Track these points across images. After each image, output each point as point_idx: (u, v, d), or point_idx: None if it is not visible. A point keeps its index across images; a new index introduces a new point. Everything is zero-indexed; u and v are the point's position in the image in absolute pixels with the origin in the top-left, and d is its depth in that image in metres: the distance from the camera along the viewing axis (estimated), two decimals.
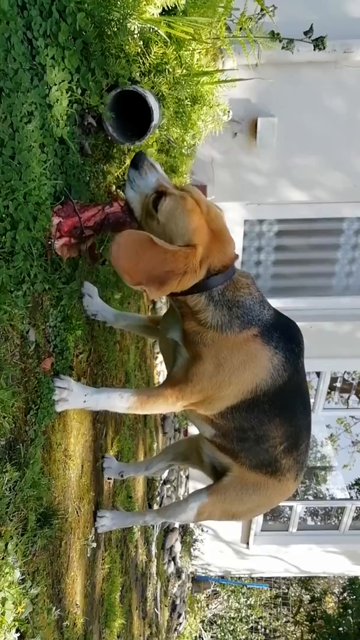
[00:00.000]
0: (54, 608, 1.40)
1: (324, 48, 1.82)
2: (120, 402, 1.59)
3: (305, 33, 1.80)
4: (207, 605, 8.61)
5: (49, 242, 1.44)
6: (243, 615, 9.13)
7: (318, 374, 5.34)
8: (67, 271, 1.62)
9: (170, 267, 1.34)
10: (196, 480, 5.89)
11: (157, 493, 4.04)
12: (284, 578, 9.41)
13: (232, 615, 9.07)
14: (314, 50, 1.84)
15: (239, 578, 8.50)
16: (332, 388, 6.48)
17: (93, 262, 1.90)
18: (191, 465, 2.20)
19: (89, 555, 1.93)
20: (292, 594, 10.13)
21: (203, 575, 7.90)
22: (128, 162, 2.03)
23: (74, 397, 1.53)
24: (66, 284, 1.60)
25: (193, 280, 1.40)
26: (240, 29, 1.99)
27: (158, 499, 4.08)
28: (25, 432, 1.33)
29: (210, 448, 1.81)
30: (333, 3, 3.31)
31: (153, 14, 1.61)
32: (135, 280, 1.37)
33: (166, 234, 1.40)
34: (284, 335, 1.55)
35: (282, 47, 1.94)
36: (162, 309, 4.03)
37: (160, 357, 4.20)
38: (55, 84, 1.38)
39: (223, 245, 1.45)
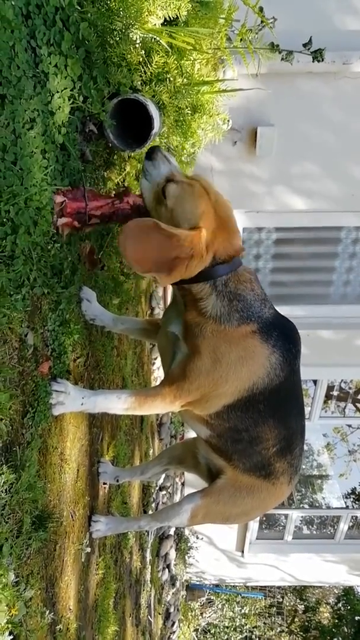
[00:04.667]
0: (48, 612, 1.40)
1: (323, 60, 1.85)
2: (117, 403, 1.60)
3: (305, 45, 1.83)
4: (201, 613, 8.56)
5: (54, 218, 1.47)
6: (237, 624, 9.08)
7: (315, 381, 5.35)
8: (67, 275, 1.64)
9: (176, 252, 1.37)
10: (192, 487, 5.87)
11: (152, 499, 4.03)
12: (278, 587, 9.37)
13: (227, 624, 9.02)
14: (313, 62, 1.87)
15: (234, 586, 8.46)
16: (328, 397, 6.49)
17: (92, 267, 1.92)
18: (186, 469, 2.21)
19: (83, 560, 1.93)
20: (287, 604, 10.07)
21: (197, 583, 7.86)
22: (128, 169, 2.05)
23: (71, 401, 1.54)
24: (65, 289, 1.61)
25: (200, 265, 1.42)
26: (241, 40, 2.02)
27: (153, 505, 4.07)
28: (22, 435, 1.34)
29: (206, 449, 1.82)
30: (333, 16, 3.36)
31: (155, 24, 1.64)
32: (144, 268, 1.41)
33: (173, 219, 1.44)
34: (283, 334, 1.56)
35: (282, 59, 1.97)
36: (161, 314, 4.04)
37: (157, 363, 4.21)
38: (57, 92, 1.40)
39: (229, 234, 1.48)
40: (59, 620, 1.58)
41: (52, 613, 1.49)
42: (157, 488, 4.52)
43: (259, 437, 1.65)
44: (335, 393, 6.71)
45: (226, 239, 1.47)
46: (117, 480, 2.28)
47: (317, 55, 1.85)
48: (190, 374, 1.53)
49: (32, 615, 1.33)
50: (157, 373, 4.23)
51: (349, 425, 8.57)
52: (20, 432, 1.33)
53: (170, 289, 3.94)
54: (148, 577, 4.02)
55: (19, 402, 1.31)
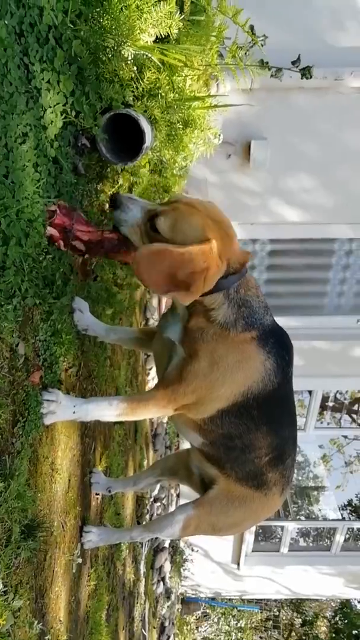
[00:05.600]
0: (37, 622, 1.40)
1: (311, 77, 1.89)
2: (109, 410, 1.61)
3: (293, 63, 1.88)
4: (197, 627, 8.46)
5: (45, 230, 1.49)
6: (233, 638, 8.97)
7: (310, 392, 5.37)
8: (59, 286, 1.66)
9: (191, 267, 1.36)
10: (187, 499, 5.83)
11: (146, 510, 4.02)
12: (275, 600, 9.28)
13: (222, 639, 8.91)
14: (302, 79, 1.92)
15: (230, 600, 8.37)
16: (324, 407, 6.50)
17: (85, 278, 1.94)
18: (179, 481, 2.21)
19: (74, 571, 1.92)
20: (284, 617, 9.97)
21: (193, 596, 7.78)
22: (121, 181, 2.09)
23: (63, 409, 1.55)
24: (57, 299, 1.63)
25: (217, 275, 1.42)
26: (233, 56, 2.07)
27: (147, 516, 4.06)
28: (12, 444, 1.34)
29: (199, 458, 1.83)
30: (325, 33, 3.43)
31: (147, 42, 1.68)
32: (163, 290, 1.41)
33: (178, 244, 1.41)
34: (278, 342, 1.58)
35: (271, 76, 2.01)
36: (155, 324, 4.06)
37: (152, 373, 4.22)
38: (50, 107, 1.43)
39: (232, 238, 1.46)
40: (48, 631, 1.58)
41: (42, 624, 1.48)
42: (152, 500, 4.51)
43: (252, 445, 1.66)
44: (330, 404, 6.72)
45: (232, 244, 1.46)
46: (110, 491, 2.28)
47: (306, 73, 1.89)
48: (187, 377, 1.54)
49: (21, 626, 1.33)
50: (152, 384, 4.24)
51: (345, 437, 8.56)
52: (10, 441, 1.34)
53: (165, 299, 3.96)
54: (142, 589, 3.99)
55: (9, 412, 1.32)
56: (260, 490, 1.75)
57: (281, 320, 1.65)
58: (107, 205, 2.11)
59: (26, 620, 1.36)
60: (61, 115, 1.49)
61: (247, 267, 1.52)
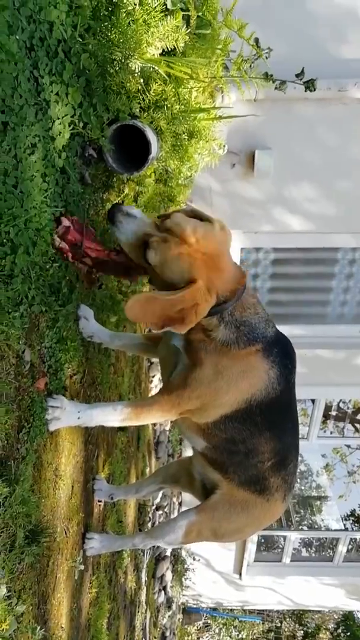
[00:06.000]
0: (39, 628, 1.41)
1: (315, 90, 1.92)
2: (114, 415, 1.63)
3: (297, 75, 1.91)
4: (198, 638, 8.39)
5: (54, 239, 1.51)
6: None
7: (313, 401, 5.36)
8: (64, 294, 1.68)
9: (181, 306, 1.40)
10: (189, 507, 5.83)
11: (148, 518, 4.01)
12: (277, 611, 9.20)
13: None
14: (306, 91, 1.95)
15: (231, 610, 8.31)
16: (327, 416, 6.48)
17: (90, 286, 1.96)
18: (181, 488, 2.22)
19: (76, 577, 1.93)
20: (285, 629, 9.88)
21: (194, 606, 7.73)
22: (127, 191, 2.11)
23: (67, 415, 1.57)
24: (62, 307, 1.65)
25: (208, 307, 1.45)
26: (238, 69, 2.10)
27: (149, 524, 4.05)
28: (17, 450, 1.36)
29: (201, 463, 1.84)
30: (328, 44, 3.47)
31: (153, 55, 1.71)
32: (159, 326, 1.44)
33: (166, 279, 1.45)
34: (282, 350, 1.61)
35: (275, 88, 2.05)
36: None
37: (155, 381, 4.23)
38: (58, 118, 1.46)
39: (222, 269, 1.45)
40: (51, 637, 1.58)
41: (44, 630, 1.49)
42: (154, 507, 4.50)
43: (255, 450, 1.68)
44: (333, 413, 6.70)
45: (224, 275, 1.46)
46: (112, 498, 2.29)
47: (310, 85, 1.92)
48: (192, 383, 1.57)
49: (23, 631, 1.34)
50: (155, 391, 4.24)
51: (348, 446, 8.53)
52: (15, 446, 1.35)
53: None
54: (143, 598, 3.97)
55: (14, 417, 1.34)
56: (262, 495, 1.76)
57: (284, 329, 1.67)
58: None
59: (29, 625, 1.37)
60: (69, 126, 1.52)
61: (244, 288, 1.52)
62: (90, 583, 2.17)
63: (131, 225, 1.46)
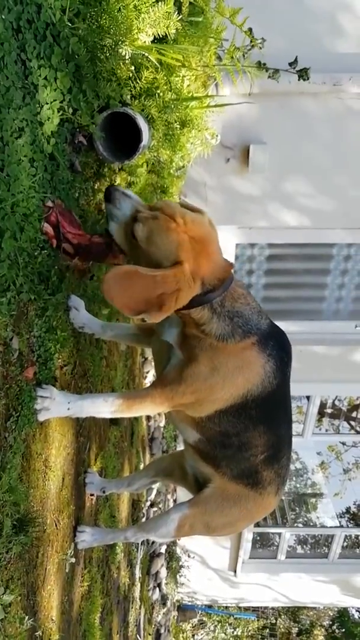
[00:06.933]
0: (27, 618, 1.39)
1: (308, 78, 1.90)
2: (105, 406, 1.61)
3: (290, 64, 1.89)
4: (193, 635, 8.39)
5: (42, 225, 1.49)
6: None
7: (308, 397, 5.36)
8: (54, 283, 1.66)
9: (162, 289, 1.36)
10: None
11: (142, 514, 4.00)
12: (272, 608, 9.21)
13: None
14: (299, 80, 1.93)
15: (226, 607, 8.31)
16: (322, 414, 6.48)
17: (80, 276, 1.94)
18: (174, 482, 2.20)
19: (67, 570, 1.91)
20: (281, 626, 9.89)
21: (189, 603, 7.72)
22: (118, 180, 2.10)
23: (57, 406, 1.55)
24: (52, 296, 1.63)
25: (189, 295, 1.41)
26: (231, 58, 2.09)
27: (143, 520, 4.03)
28: (4, 439, 1.34)
29: (193, 457, 1.83)
30: (324, 39, 3.46)
31: (144, 42, 1.69)
32: (134, 311, 1.40)
33: (151, 258, 1.41)
34: (278, 343, 1.59)
35: (268, 76, 2.03)
36: None
37: (150, 377, 4.21)
38: (47, 103, 1.44)
39: (210, 255, 1.44)
40: (39, 627, 1.57)
41: (32, 620, 1.47)
42: (149, 504, 4.49)
43: (249, 443, 1.66)
44: (328, 410, 6.71)
45: (211, 262, 1.44)
46: (104, 492, 2.27)
47: (303, 74, 1.91)
48: (187, 378, 1.54)
49: (11, 621, 1.32)
50: None
51: (343, 443, 8.54)
52: (2, 435, 1.33)
53: None
54: (137, 594, 3.95)
55: (2, 405, 1.32)
56: (255, 489, 1.75)
57: (279, 325, 1.65)
58: (103, 205, 2.12)
59: (17, 615, 1.35)
60: (58, 112, 1.50)
61: (231, 278, 1.50)
62: (82, 577, 2.15)
63: (127, 204, 1.45)
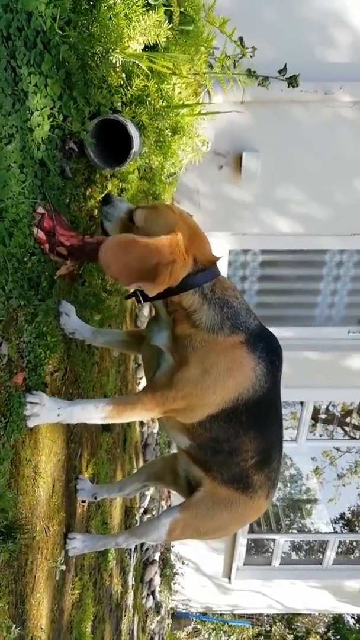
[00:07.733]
0: (14, 627, 1.38)
1: (297, 85, 1.93)
2: (95, 412, 1.61)
3: (280, 72, 1.92)
4: None
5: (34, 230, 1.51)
6: None
7: (302, 403, 5.36)
8: (44, 288, 1.66)
9: (157, 258, 1.39)
10: None
11: (135, 521, 3.97)
12: (267, 615, 9.16)
13: None
14: (288, 87, 1.95)
15: (221, 614, 8.26)
16: (315, 419, 6.49)
17: (71, 282, 1.94)
18: (166, 486, 2.20)
19: (57, 578, 1.89)
20: (275, 633, 9.83)
21: (183, 611, 7.67)
22: (110, 187, 2.10)
23: (46, 412, 1.54)
24: (42, 301, 1.63)
25: (184, 269, 1.46)
26: (222, 65, 2.11)
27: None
28: None
29: (186, 461, 1.83)
30: (315, 48, 3.50)
31: (135, 50, 1.71)
32: (128, 280, 1.43)
33: (148, 235, 1.45)
34: (268, 346, 1.60)
35: (258, 84, 2.05)
36: (144, 326, 4.05)
37: (143, 383, 4.20)
38: (37, 110, 1.45)
39: (202, 241, 1.54)
40: (29, 637, 1.55)
41: (20, 629, 1.46)
42: (142, 511, 4.46)
43: (239, 449, 1.67)
44: (322, 416, 6.71)
45: (201, 245, 1.53)
46: (95, 498, 2.26)
47: (292, 81, 1.93)
48: (178, 384, 1.55)
49: None
50: None
51: (337, 449, 8.53)
52: None
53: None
54: (130, 602, 3.93)
55: None
56: (245, 493, 1.75)
57: (273, 331, 1.66)
58: (95, 211, 2.13)
59: (4, 624, 1.34)
60: (48, 118, 1.50)
61: (218, 269, 1.57)
62: (72, 584, 2.14)
63: (123, 204, 1.55)
